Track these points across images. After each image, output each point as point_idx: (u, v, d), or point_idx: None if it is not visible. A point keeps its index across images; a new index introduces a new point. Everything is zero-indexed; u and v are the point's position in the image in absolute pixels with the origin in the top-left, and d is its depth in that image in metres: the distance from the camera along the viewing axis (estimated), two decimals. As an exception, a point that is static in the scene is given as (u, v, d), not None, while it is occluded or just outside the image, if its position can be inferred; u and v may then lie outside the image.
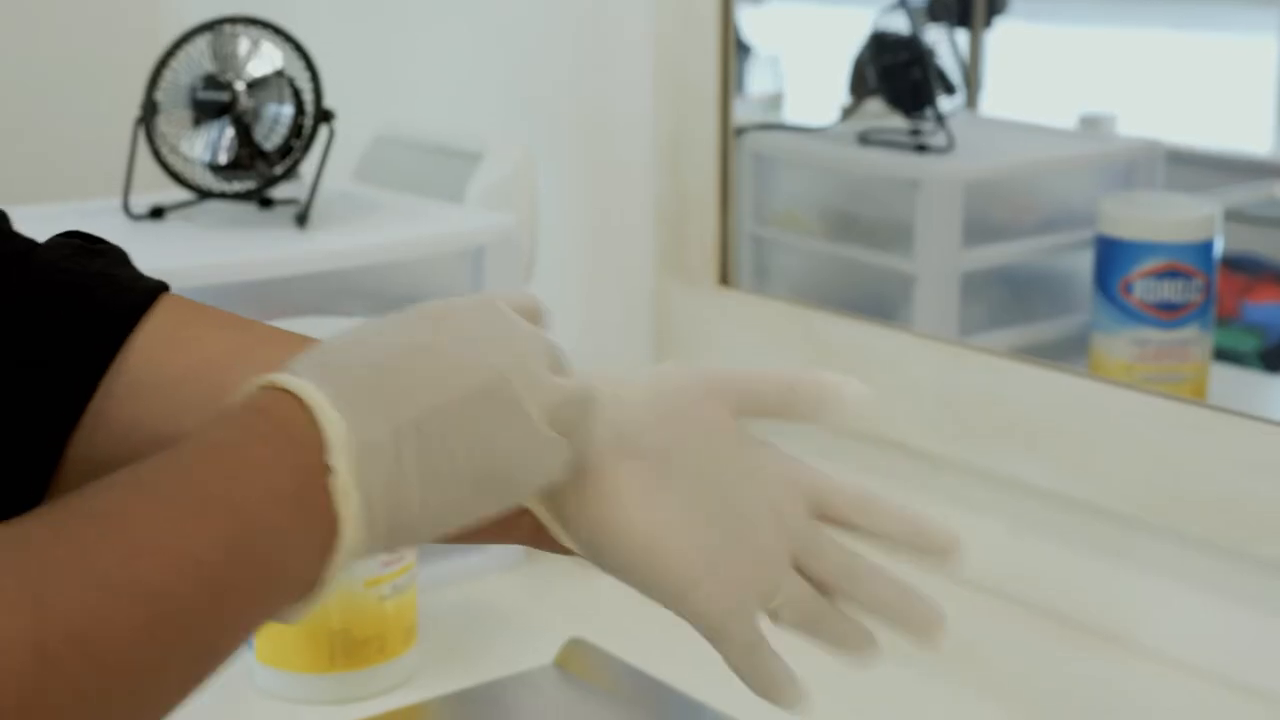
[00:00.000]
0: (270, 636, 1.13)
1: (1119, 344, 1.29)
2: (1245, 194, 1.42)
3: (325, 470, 0.58)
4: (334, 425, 0.59)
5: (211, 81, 1.29)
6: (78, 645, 0.52)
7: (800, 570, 0.75)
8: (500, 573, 1.33)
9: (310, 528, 0.59)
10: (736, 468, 0.73)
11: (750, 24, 1.47)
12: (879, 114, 1.55)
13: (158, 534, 0.55)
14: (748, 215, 1.51)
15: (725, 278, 1.47)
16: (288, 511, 0.58)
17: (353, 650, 1.12)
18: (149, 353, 0.71)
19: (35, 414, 0.70)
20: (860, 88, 1.57)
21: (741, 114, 1.49)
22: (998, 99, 1.57)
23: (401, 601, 1.14)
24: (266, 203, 1.33)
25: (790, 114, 1.67)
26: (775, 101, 1.68)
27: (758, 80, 1.63)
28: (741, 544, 0.73)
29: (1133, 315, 1.28)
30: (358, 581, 1.12)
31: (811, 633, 0.78)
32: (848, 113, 1.59)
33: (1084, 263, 1.35)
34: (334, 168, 1.38)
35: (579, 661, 1.17)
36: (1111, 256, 1.29)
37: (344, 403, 0.59)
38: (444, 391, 0.62)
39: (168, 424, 0.70)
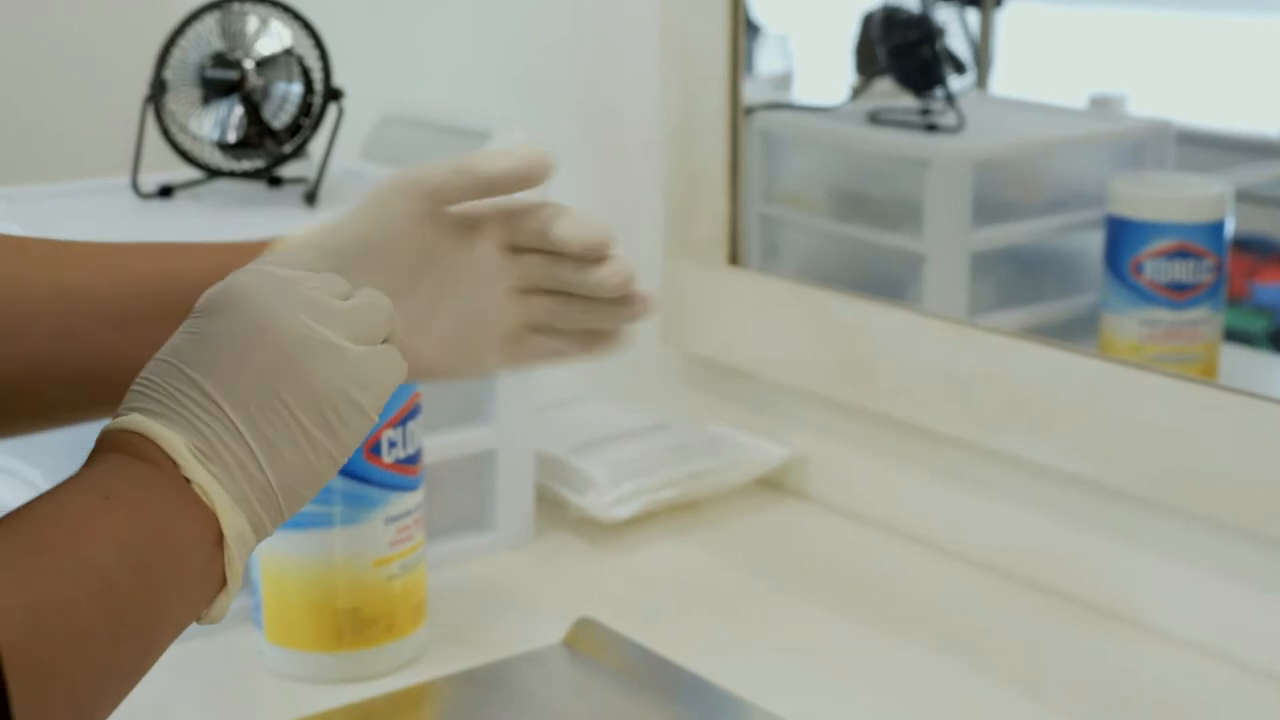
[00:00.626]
0: (280, 615, 1.13)
1: (1129, 324, 1.29)
2: (1256, 174, 1.41)
3: (186, 481, 0.67)
4: (173, 441, 0.67)
5: (220, 60, 1.29)
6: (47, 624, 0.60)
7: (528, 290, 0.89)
8: (509, 551, 1.33)
9: (198, 529, 0.68)
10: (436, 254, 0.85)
11: (759, 3, 1.47)
12: (888, 93, 1.55)
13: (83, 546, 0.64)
14: (756, 195, 1.51)
15: (734, 257, 1.47)
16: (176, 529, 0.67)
17: (361, 629, 1.12)
18: None
19: None
20: (866, 66, 1.56)
21: (750, 94, 1.49)
22: (1008, 79, 1.57)
23: (410, 580, 1.14)
24: (275, 181, 1.33)
25: (799, 94, 1.67)
26: (784, 81, 1.68)
27: (766, 60, 1.63)
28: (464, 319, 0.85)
29: (1143, 295, 1.28)
30: (367, 561, 1.12)
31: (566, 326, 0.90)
32: (857, 92, 1.59)
33: (1093, 243, 1.34)
34: (341, 147, 1.38)
35: (588, 641, 1.17)
36: (1122, 236, 1.29)
37: (180, 426, 0.68)
38: (250, 373, 0.70)
39: None
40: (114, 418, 0.69)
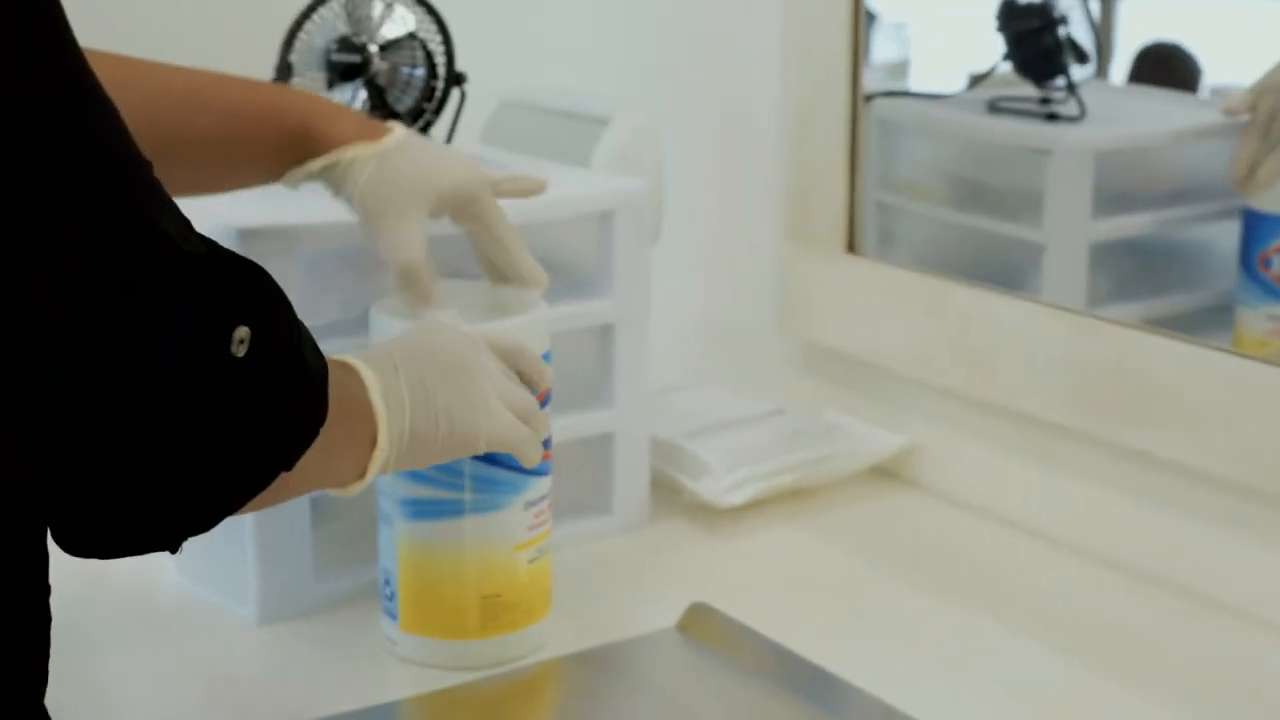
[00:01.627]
0: (416, 604, 1.13)
1: (1257, 319, 1.27)
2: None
3: (372, 409, 0.94)
4: (374, 387, 0.94)
5: (345, 44, 1.31)
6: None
7: None
8: (624, 535, 1.34)
9: (370, 440, 0.94)
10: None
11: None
12: (1007, 82, 1.54)
13: (338, 460, 0.93)
14: (873, 183, 1.51)
15: (852, 245, 1.47)
16: (366, 437, 0.94)
17: (500, 615, 1.13)
18: None
19: None
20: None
21: (866, 82, 1.49)
22: (1129, 68, 1.55)
23: (542, 565, 1.15)
24: (397, 163, 1.34)
25: (915, 82, 1.66)
26: (900, 69, 1.67)
27: (881, 48, 1.62)
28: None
29: (1269, 290, 1.26)
30: (507, 546, 1.12)
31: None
32: (975, 81, 1.58)
33: (1216, 235, 1.33)
34: (462, 130, 1.39)
35: (701, 625, 1.17)
36: (1251, 230, 1.28)
37: (374, 368, 0.95)
38: (428, 364, 0.98)
39: None
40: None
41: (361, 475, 0.94)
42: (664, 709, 1.12)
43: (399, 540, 1.13)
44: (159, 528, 0.77)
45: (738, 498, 1.35)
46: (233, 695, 1.12)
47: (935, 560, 1.31)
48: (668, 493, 1.39)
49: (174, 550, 0.79)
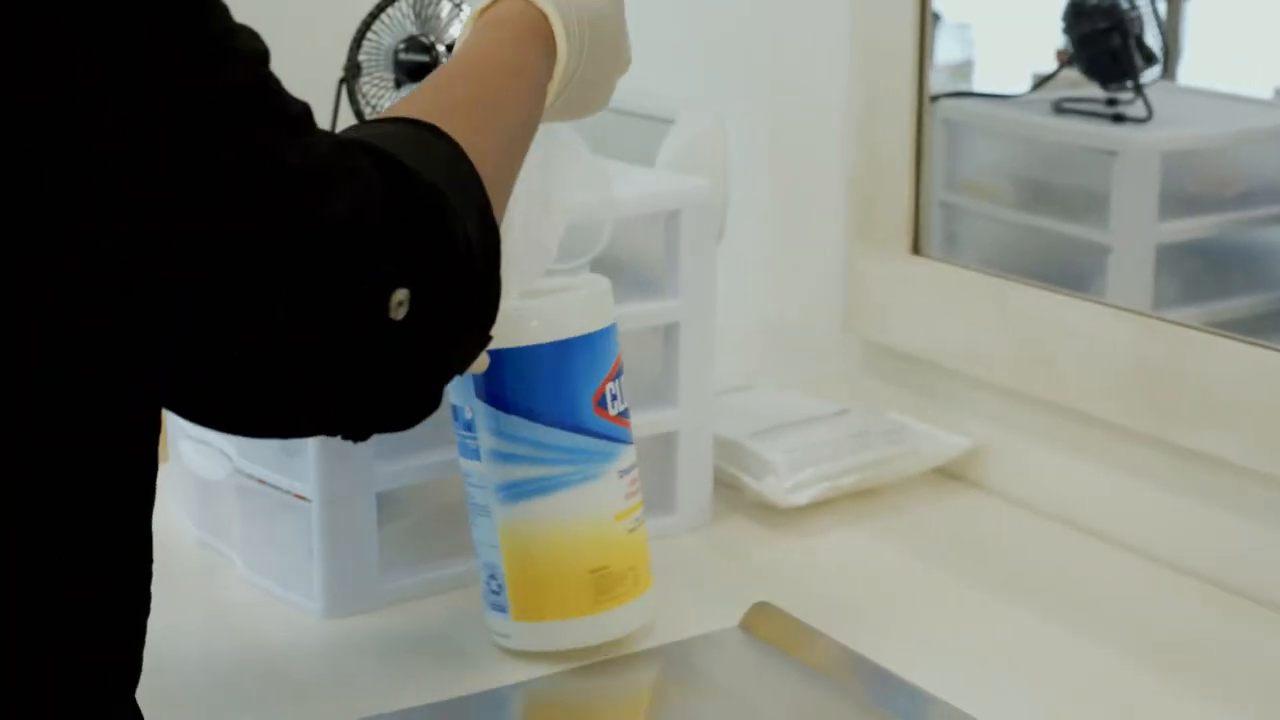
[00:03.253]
0: (527, 589, 1.13)
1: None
2: None
3: (553, 40, 1.01)
4: (555, 20, 1.01)
5: (414, 43, 1.31)
6: (504, 158, 0.94)
7: None
8: (687, 534, 1.34)
9: (549, 75, 1.01)
10: None
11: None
12: (1073, 82, 1.53)
13: (513, 86, 0.98)
14: (938, 183, 1.51)
15: (916, 246, 1.47)
16: (545, 69, 1.01)
17: (613, 586, 1.13)
18: None
19: None
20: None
21: (930, 82, 1.48)
22: (1196, 69, 1.55)
23: (641, 535, 1.16)
24: (465, 164, 1.34)
25: (979, 82, 1.65)
26: (964, 69, 1.67)
27: (945, 48, 1.62)
28: None
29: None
30: (608, 515, 1.13)
31: None
32: (1041, 81, 1.58)
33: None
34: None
35: (765, 625, 1.18)
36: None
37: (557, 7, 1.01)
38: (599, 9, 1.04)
39: None
40: None
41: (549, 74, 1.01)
42: (728, 708, 1.12)
43: (500, 529, 1.13)
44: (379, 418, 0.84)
45: (801, 498, 1.35)
46: (295, 688, 1.13)
47: (999, 562, 1.31)
48: (731, 492, 1.39)
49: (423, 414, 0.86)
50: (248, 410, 0.79)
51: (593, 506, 1.13)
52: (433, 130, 0.87)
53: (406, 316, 0.77)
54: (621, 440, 1.14)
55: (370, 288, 0.76)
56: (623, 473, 1.14)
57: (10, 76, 0.65)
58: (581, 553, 1.13)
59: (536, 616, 1.14)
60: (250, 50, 0.75)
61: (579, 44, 1.02)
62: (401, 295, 0.77)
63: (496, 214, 0.88)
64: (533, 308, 1.12)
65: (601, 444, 1.12)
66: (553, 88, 1.02)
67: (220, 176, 0.70)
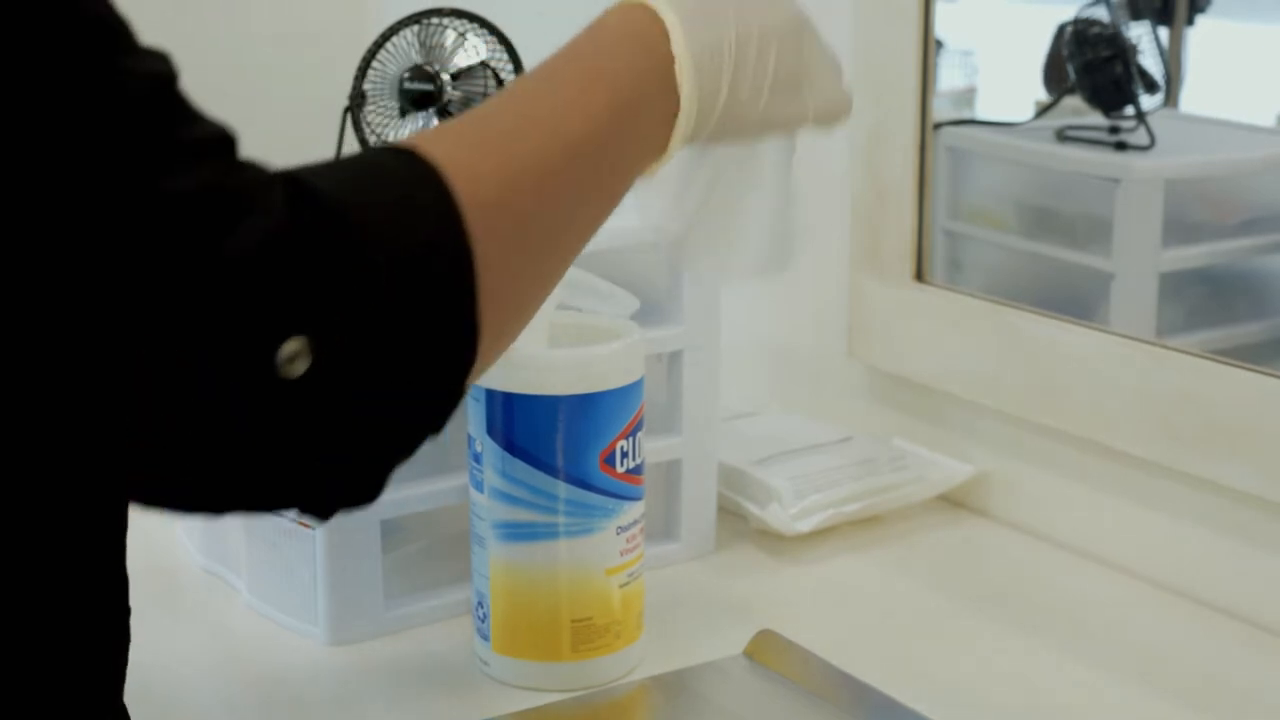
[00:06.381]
0: (509, 626, 1.14)
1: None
2: None
3: (671, 59, 0.82)
4: (676, 29, 0.82)
5: (418, 72, 1.32)
6: (523, 181, 0.75)
7: None
8: (691, 561, 1.34)
9: (664, 100, 0.83)
10: None
11: (942, 19, 1.47)
12: (1075, 110, 1.54)
13: (566, 101, 0.79)
14: (941, 210, 1.51)
15: (920, 273, 1.47)
16: (649, 87, 0.82)
17: (593, 638, 1.14)
18: None
19: None
20: (1056, 83, 1.55)
21: (933, 109, 1.49)
22: (1198, 97, 1.55)
23: (635, 589, 1.16)
24: (469, 192, 1.35)
25: (982, 109, 1.66)
26: (967, 96, 1.67)
27: (948, 75, 1.63)
28: None
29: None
30: (599, 570, 1.13)
31: None
32: (1044, 109, 1.58)
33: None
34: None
35: (769, 652, 1.17)
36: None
37: (683, 17, 0.83)
38: (759, 20, 0.86)
39: None
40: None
41: (663, 150, 0.84)
42: (732, 735, 1.12)
43: (492, 562, 1.14)
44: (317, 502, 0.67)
45: (805, 525, 1.35)
46: (300, 715, 1.13)
47: (1004, 590, 1.30)
48: (735, 519, 1.39)
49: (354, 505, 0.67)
50: (163, 489, 0.64)
51: (583, 560, 1.12)
52: (400, 152, 0.72)
53: (306, 374, 0.62)
54: (626, 497, 1.13)
55: (252, 338, 0.61)
56: (622, 529, 1.13)
57: None
58: (565, 602, 1.13)
59: (514, 653, 1.14)
60: (146, 71, 0.63)
61: (717, 64, 0.85)
62: (294, 346, 0.61)
63: (500, 244, 0.72)
64: (559, 359, 1.11)
65: (603, 500, 1.12)
66: (685, 112, 0.84)
67: (79, 207, 0.58)
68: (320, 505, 0.67)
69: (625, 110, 0.81)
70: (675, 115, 0.83)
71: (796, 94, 0.90)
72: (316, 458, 0.64)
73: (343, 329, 0.63)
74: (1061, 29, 1.52)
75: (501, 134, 0.76)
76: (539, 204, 0.76)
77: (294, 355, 0.61)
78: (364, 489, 0.67)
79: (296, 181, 0.66)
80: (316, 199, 0.65)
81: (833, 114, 0.94)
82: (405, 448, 0.68)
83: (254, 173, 0.65)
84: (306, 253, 0.62)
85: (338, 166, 0.71)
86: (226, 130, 0.65)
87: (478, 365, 0.70)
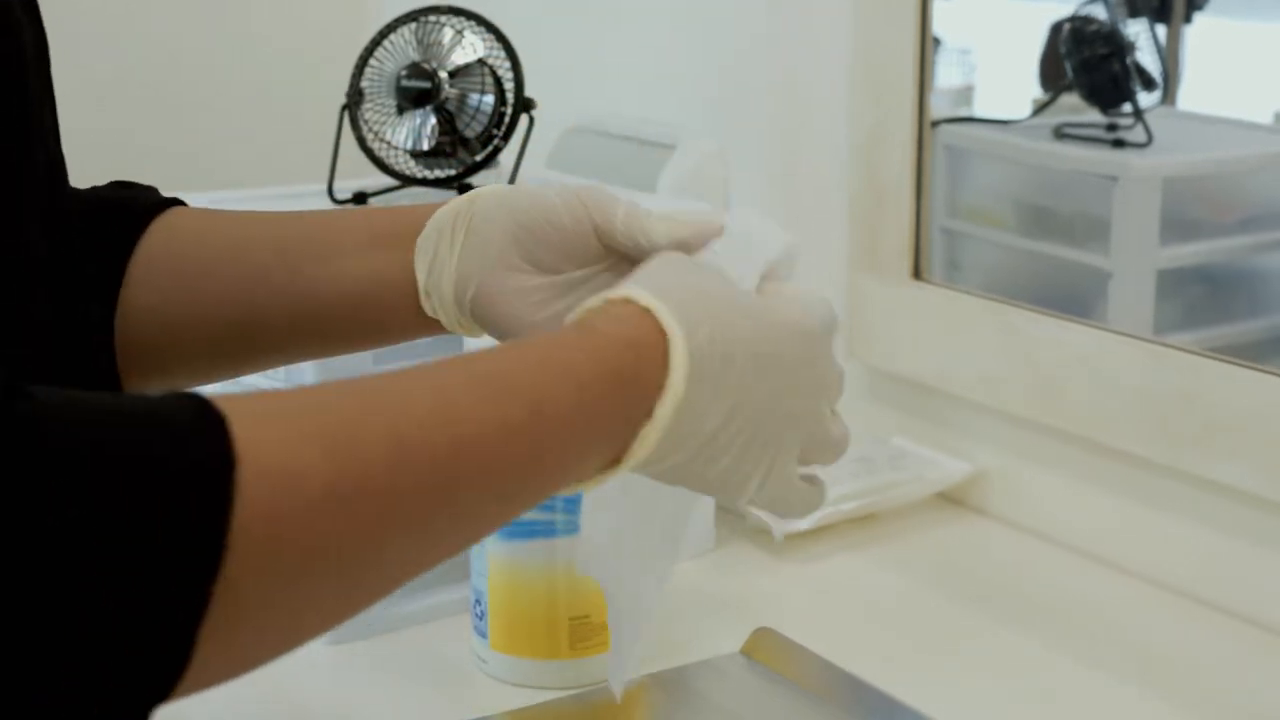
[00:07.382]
0: (506, 624, 1.14)
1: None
2: None
3: (659, 388, 0.69)
4: (677, 393, 0.69)
5: (416, 70, 1.32)
6: (367, 491, 0.58)
7: None
8: (689, 560, 1.34)
9: (609, 449, 0.68)
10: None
11: (940, 17, 1.47)
12: (1073, 108, 1.54)
13: (456, 403, 0.62)
14: (939, 209, 1.51)
15: (918, 271, 1.47)
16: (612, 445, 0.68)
17: (590, 636, 1.14)
18: (165, 246, 0.84)
19: (81, 304, 0.82)
20: (1052, 80, 1.55)
21: (931, 107, 1.49)
22: (1195, 94, 1.55)
23: None
24: (467, 189, 1.35)
25: (980, 107, 1.66)
26: (965, 94, 1.67)
27: (946, 73, 1.63)
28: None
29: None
30: None
31: None
32: (1041, 106, 1.58)
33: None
34: (528, 156, 1.40)
35: (767, 650, 1.17)
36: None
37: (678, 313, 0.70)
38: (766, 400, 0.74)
39: (193, 309, 0.83)
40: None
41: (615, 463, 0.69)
42: (730, 733, 1.12)
43: (490, 560, 1.14)
44: None
45: (803, 524, 1.35)
46: (298, 713, 1.13)
47: (1001, 588, 1.30)
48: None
49: None
50: None
51: None
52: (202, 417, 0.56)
53: None
54: None
55: None
56: None
57: None
58: (563, 600, 1.13)
59: (512, 650, 1.15)
60: None
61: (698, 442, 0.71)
62: None
63: (286, 568, 0.60)
64: None
65: None
66: (652, 428, 0.69)
67: None
68: None
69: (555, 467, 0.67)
70: (616, 465, 0.69)
71: (756, 472, 0.75)
72: None
73: None
74: (1058, 26, 1.52)
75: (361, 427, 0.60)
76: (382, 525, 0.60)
77: None
78: None
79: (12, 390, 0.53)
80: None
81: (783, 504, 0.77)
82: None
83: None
84: None
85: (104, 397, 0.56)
86: None
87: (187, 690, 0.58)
